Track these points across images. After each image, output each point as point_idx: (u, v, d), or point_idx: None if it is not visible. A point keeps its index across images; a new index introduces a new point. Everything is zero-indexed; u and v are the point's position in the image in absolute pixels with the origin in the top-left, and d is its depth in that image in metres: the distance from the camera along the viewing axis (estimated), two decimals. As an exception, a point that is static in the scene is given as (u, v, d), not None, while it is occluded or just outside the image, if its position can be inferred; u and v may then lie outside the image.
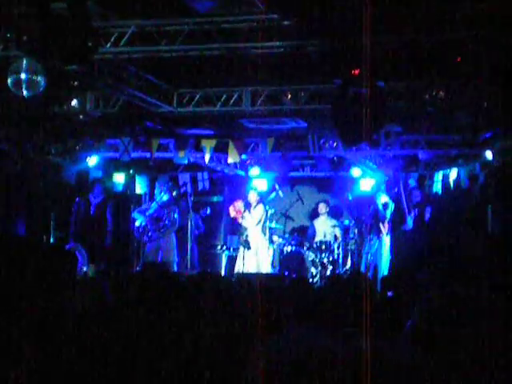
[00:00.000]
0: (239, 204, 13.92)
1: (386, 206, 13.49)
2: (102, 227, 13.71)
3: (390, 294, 5.57)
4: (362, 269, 13.30)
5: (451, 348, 3.38)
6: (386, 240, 13.35)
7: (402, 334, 4.26)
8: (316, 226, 14.89)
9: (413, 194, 14.18)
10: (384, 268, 13.15)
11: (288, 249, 14.19)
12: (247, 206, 13.88)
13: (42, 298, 3.02)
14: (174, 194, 14.06)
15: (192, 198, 14.47)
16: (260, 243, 13.64)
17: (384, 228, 13.41)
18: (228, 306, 3.97)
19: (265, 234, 13.80)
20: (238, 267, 13.53)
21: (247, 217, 13.76)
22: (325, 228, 14.64)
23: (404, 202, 14.12)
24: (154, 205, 13.80)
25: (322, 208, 14.92)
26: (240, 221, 13.90)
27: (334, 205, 15.59)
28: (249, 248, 13.51)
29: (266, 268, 13.40)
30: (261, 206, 13.81)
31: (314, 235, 14.76)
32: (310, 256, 14.04)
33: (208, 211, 15.27)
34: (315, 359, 3.22)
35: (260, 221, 13.76)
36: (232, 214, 14.00)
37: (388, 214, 13.45)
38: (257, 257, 13.43)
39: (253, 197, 13.89)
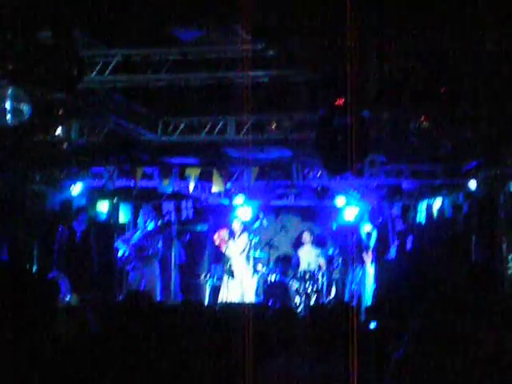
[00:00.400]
0: (224, 232, 13.94)
1: (369, 235, 13.51)
2: (86, 255, 13.67)
3: (373, 324, 5.55)
4: (346, 298, 13.28)
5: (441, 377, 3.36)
6: (370, 269, 13.36)
7: (386, 364, 4.24)
8: (300, 255, 14.87)
9: (396, 222, 14.24)
10: (368, 297, 13.13)
11: (272, 278, 14.15)
12: (231, 234, 13.89)
13: (23, 326, 2.98)
14: (159, 223, 14.03)
15: (176, 227, 14.45)
16: (244, 272, 13.63)
17: (368, 257, 13.42)
18: (211, 336, 3.94)
19: (249, 263, 13.78)
20: (222, 296, 13.49)
21: (231, 245, 13.77)
22: (309, 257, 14.62)
23: (389, 232, 14.17)
24: (137, 234, 13.75)
25: (306, 237, 14.92)
26: (224, 249, 13.90)
27: (318, 234, 15.59)
28: (233, 277, 13.48)
29: (251, 297, 13.37)
30: (245, 234, 13.82)
31: (298, 264, 14.73)
32: (294, 285, 14.00)
33: (187, 237, 15.23)
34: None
35: (244, 249, 13.76)
36: (216, 241, 14.01)
37: (371, 243, 13.46)
38: (241, 286, 13.40)
39: (237, 225, 13.91)
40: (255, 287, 13.83)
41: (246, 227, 14.06)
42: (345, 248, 14.14)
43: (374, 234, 13.51)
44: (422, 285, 12.37)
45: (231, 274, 13.53)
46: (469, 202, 12.96)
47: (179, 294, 14.63)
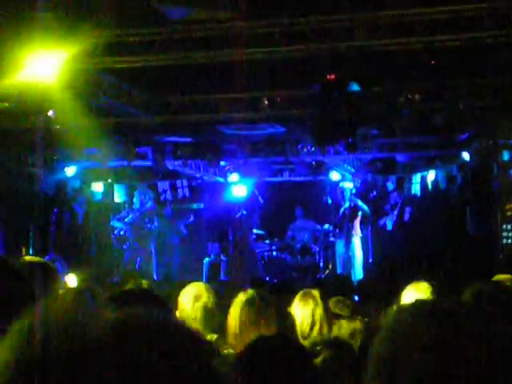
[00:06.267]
0: None
1: (361, 208, 13.50)
2: (88, 237, 13.76)
3: (356, 297, 5.58)
4: (339, 271, 13.30)
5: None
6: (357, 240, 13.37)
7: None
8: (296, 231, 14.91)
9: (391, 196, 14.26)
10: (358, 269, 13.19)
11: (269, 254, 14.19)
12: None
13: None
14: (157, 202, 14.05)
15: (172, 206, 14.45)
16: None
17: (357, 228, 13.41)
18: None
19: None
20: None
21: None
22: (305, 232, 14.66)
23: (384, 204, 14.21)
24: (133, 213, 13.73)
25: (302, 212, 14.98)
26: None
27: (314, 208, 15.63)
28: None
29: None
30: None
31: (294, 240, 14.76)
32: (291, 261, 14.05)
33: (191, 218, 15.28)
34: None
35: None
36: None
37: (360, 215, 13.47)
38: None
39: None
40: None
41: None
42: (339, 222, 14.13)
43: (362, 206, 13.52)
44: (417, 257, 12.41)
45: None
46: (462, 172, 12.99)
47: (176, 272, 14.66)
